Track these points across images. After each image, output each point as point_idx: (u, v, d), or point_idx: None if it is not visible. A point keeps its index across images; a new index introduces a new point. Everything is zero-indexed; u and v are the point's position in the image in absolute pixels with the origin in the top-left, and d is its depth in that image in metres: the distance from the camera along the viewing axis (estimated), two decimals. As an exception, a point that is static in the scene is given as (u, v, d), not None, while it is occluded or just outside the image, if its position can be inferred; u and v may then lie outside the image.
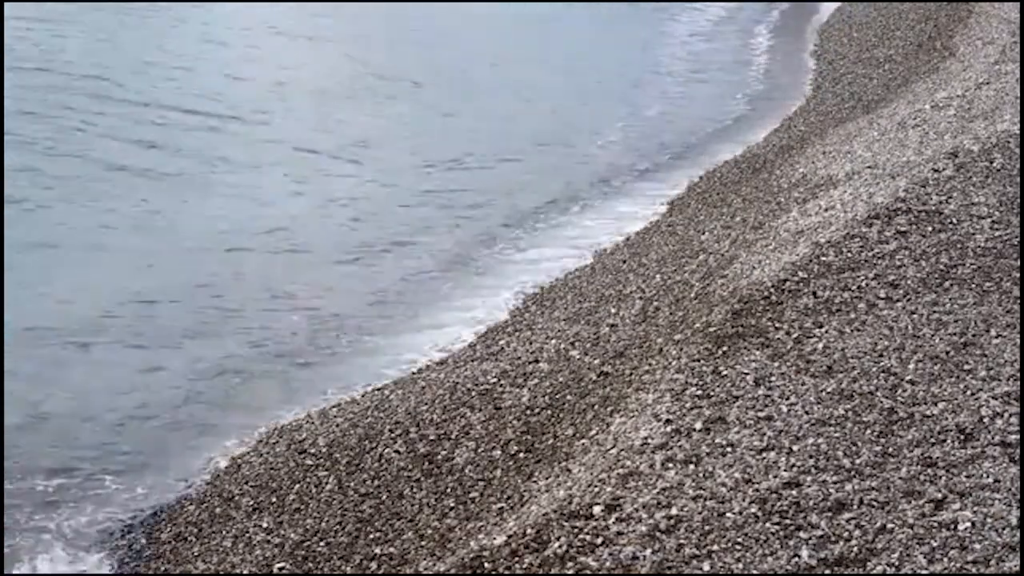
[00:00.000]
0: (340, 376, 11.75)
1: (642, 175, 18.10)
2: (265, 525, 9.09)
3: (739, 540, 6.59)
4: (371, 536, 8.60)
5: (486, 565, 6.69)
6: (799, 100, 21.69)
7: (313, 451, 10.01)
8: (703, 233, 13.75)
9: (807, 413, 7.94)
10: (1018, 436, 7.61)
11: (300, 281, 13.79)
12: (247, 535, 9.01)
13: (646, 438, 7.76)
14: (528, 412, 9.77)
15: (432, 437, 9.78)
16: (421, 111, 20.68)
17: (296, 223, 15.38)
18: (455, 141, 19.03)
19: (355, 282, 13.93)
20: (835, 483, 7.11)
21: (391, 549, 8.34)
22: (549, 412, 9.63)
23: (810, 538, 6.60)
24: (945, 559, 6.44)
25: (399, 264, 14.47)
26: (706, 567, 6.39)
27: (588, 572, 6.38)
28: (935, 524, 6.72)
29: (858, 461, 7.35)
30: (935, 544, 6.55)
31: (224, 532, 9.12)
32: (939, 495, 6.99)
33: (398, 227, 15.52)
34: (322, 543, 8.69)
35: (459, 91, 22.02)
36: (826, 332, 9.15)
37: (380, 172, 17.53)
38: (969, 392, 8.20)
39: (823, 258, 10.53)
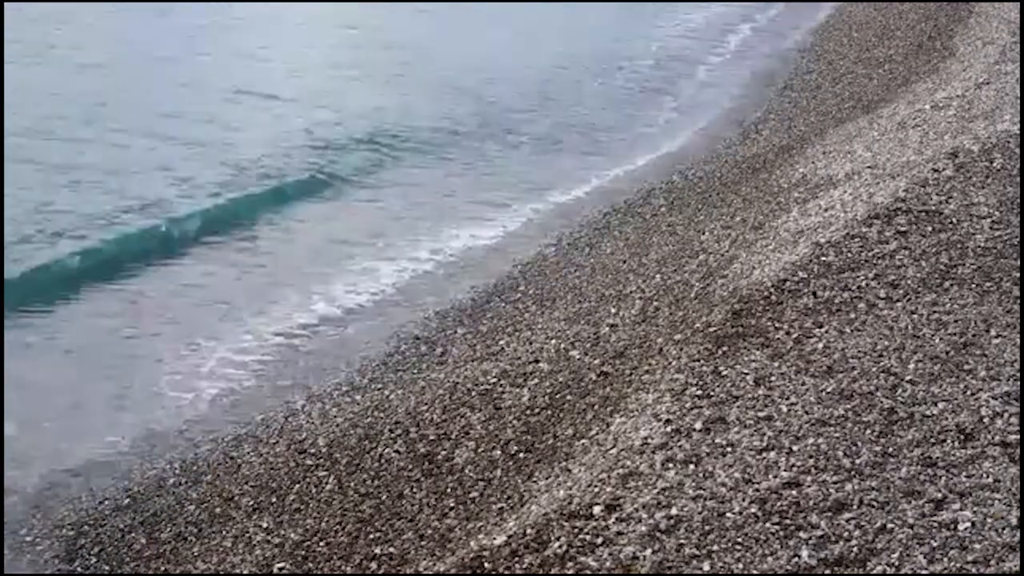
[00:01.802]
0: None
1: (536, 188, 17.96)
2: (265, 525, 9.09)
3: (739, 540, 6.59)
4: (371, 536, 8.60)
5: (486, 565, 6.68)
6: (719, 108, 21.89)
7: (313, 451, 10.01)
8: (703, 233, 13.75)
9: (807, 413, 7.94)
10: (1018, 436, 7.61)
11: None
12: (247, 535, 9.00)
13: (646, 438, 7.76)
14: (528, 412, 9.76)
15: (432, 437, 9.78)
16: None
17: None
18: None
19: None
20: (835, 483, 7.11)
21: (391, 549, 8.33)
22: (549, 412, 9.63)
23: (810, 538, 6.60)
24: (945, 559, 6.43)
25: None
26: (706, 567, 6.39)
27: (588, 572, 6.38)
28: (935, 524, 6.71)
29: (858, 461, 7.35)
30: (935, 544, 6.54)
31: (224, 532, 9.12)
32: (939, 495, 6.99)
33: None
34: (322, 543, 8.69)
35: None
36: (826, 332, 9.15)
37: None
38: (969, 392, 8.20)
39: (823, 258, 10.53)
